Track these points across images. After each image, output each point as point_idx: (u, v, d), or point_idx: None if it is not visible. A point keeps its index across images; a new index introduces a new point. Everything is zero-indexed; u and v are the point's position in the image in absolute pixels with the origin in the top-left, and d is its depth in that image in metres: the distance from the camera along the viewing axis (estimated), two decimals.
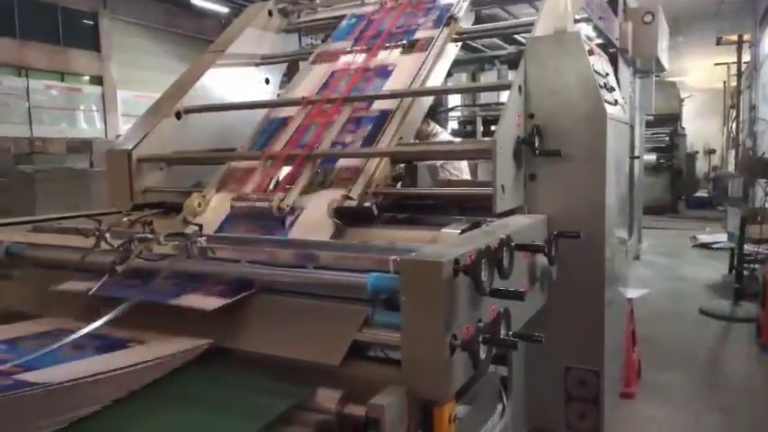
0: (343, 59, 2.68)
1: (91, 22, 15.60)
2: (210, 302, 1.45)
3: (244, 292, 1.48)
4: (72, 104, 15.53)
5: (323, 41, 3.00)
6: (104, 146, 9.78)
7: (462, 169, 3.92)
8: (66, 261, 1.76)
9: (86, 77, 15.79)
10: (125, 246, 1.66)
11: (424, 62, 2.48)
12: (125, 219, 2.24)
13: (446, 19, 2.64)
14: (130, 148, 2.45)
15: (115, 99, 16.13)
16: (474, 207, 2.02)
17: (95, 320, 1.48)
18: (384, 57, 2.60)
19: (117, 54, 15.97)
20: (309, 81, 2.66)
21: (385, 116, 2.30)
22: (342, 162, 2.20)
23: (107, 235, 1.77)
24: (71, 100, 15.52)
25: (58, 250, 1.86)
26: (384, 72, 2.51)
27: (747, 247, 6.13)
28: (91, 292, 1.58)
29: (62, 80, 15.23)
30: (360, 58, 2.63)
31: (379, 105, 2.35)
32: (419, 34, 2.63)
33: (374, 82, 2.48)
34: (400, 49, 2.60)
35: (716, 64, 16.78)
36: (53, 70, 14.89)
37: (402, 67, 2.50)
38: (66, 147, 11.05)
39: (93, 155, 10.49)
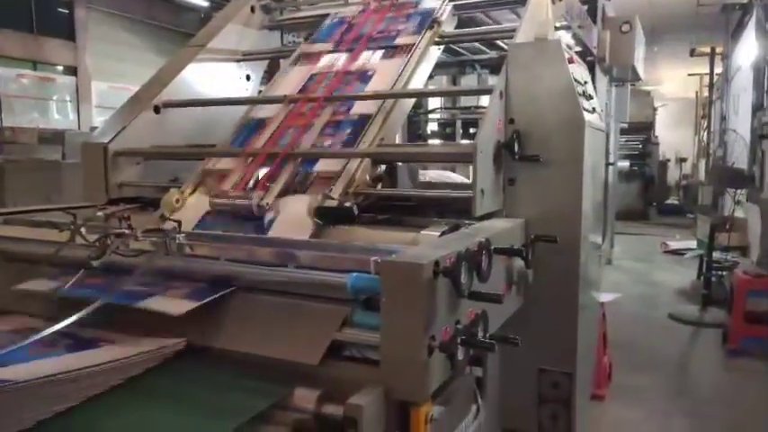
0: (324, 62, 2.67)
1: (66, 11, 15.27)
2: (179, 306, 1.42)
3: (215, 294, 1.46)
4: (44, 94, 15.18)
5: (305, 40, 2.98)
6: (77, 137, 9.57)
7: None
8: (40, 255, 1.73)
9: (60, 67, 15.44)
10: (101, 241, 1.63)
11: (406, 65, 2.49)
12: (100, 213, 2.21)
13: (429, 22, 2.65)
14: (107, 141, 2.40)
15: (89, 90, 15.80)
16: (453, 210, 2.03)
17: (66, 318, 1.45)
18: (365, 60, 2.59)
19: (92, 44, 15.65)
20: (288, 83, 2.64)
21: (364, 121, 2.29)
22: (321, 165, 2.19)
23: (82, 229, 1.74)
24: (43, 89, 15.16)
25: (30, 244, 1.82)
26: (364, 76, 2.51)
27: (716, 255, 6.29)
28: (59, 294, 1.55)
29: (34, 69, 14.88)
30: (341, 61, 2.63)
31: (358, 110, 2.35)
32: (400, 40, 2.64)
33: (354, 86, 2.47)
34: (381, 53, 2.60)
35: (689, 74, 17.14)
36: (25, 59, 14.53)
37: (383, 72, 2.50)
38: (37, 137, 10.76)
39: (65, 146, 10.25)
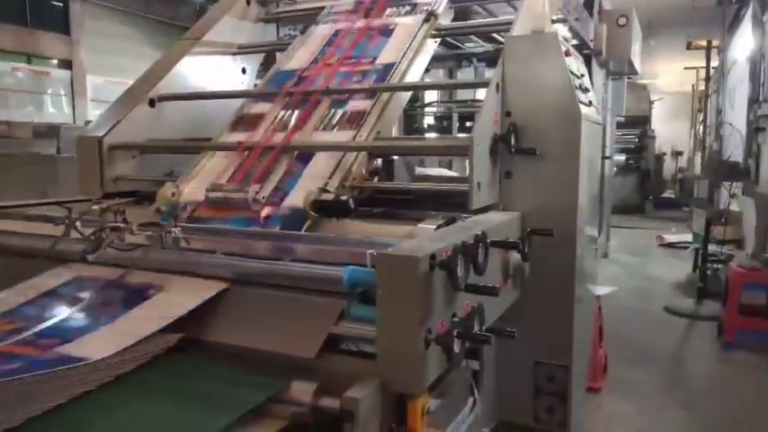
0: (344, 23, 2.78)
1: (60, 4, 15.16)
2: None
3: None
4: (39, 88, 15.08)
5: (301, 33, 2.97)
6: (72, 131, 9.52)
7: None
8: (35, 249, 1.72)
9: (55, 61, 15.35)
10: (96, 234, 1.63)
11: (404, 54, 2.48)
12: (95, 207, 2.20)
13: (426, 15, 2.65)
14: (101, 134, 2.39)
15: (84, 84, 15.70)
16: (450, 203, 2.03)
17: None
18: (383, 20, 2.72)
19: (87, 38, 15.54)
20: (314, 39, 2.76)
21: (389, 69, 2.40)
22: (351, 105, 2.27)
23: (77, 223, 1.74)
24: (38, 83, 15.06)
25: (26, 238, 1.81)
26: (386, 31, 2.63)
27: (711, 248, 6.31)
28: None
29: (29, 63, 14.78)
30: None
31: (384, 60, 2.47)
32: None
33: (377, 39, 2.60)
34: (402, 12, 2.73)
35: (685, 68, 17.10)
36: (20, 52, 14.43)
37: (401, 30, 2.60)
38: (32, 131, 10.70)
39: (60, 140, 10.19)
